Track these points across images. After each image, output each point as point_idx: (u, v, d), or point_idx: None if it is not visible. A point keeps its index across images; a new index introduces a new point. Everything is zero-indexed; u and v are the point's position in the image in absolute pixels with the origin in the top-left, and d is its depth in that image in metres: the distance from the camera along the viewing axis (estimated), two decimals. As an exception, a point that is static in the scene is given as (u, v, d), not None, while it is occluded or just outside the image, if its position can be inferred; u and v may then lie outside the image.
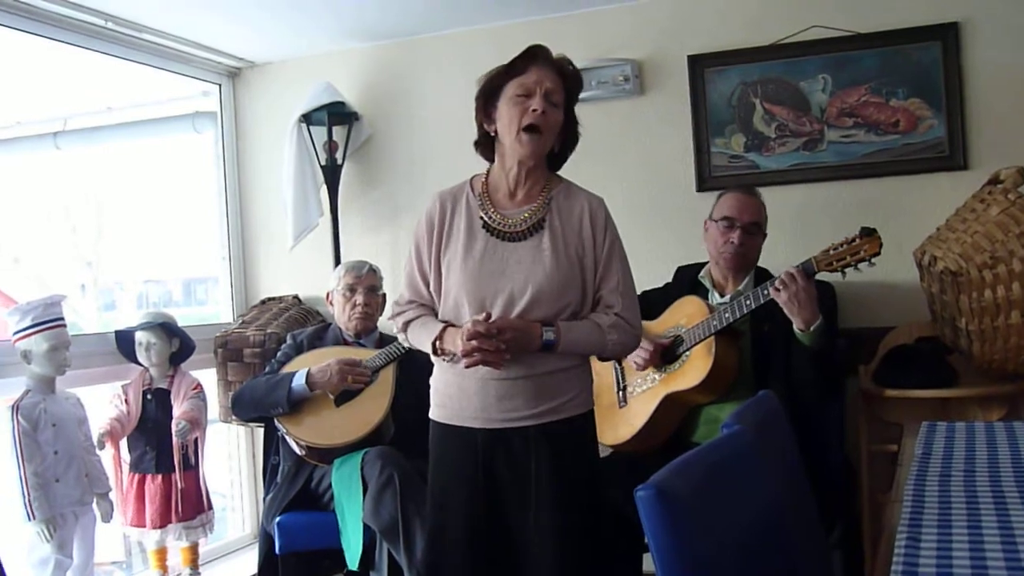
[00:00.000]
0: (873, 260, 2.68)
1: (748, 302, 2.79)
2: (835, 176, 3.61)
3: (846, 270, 2.71)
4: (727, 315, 2.82)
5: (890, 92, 3.55)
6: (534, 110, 2.31)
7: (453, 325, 2.37)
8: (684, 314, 2.96)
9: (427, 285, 2.45)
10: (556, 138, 2.41)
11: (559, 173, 2.50)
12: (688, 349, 2.91)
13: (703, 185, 3.75)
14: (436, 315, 2.45)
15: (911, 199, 3.52)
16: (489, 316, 2.25)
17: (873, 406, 3.35)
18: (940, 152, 3.50)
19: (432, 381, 2.49)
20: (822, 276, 2.78)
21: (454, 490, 2.39)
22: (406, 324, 2.47)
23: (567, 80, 2.40)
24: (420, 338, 2.43)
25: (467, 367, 2.28)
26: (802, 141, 3.67)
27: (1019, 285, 2.85)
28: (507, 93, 2.35)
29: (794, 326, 2.76)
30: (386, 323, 3.54)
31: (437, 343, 2.36)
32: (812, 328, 2.73)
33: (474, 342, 2.23)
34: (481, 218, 2.41)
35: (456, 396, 2.39)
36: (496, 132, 2.41)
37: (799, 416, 2.49)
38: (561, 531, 2.29)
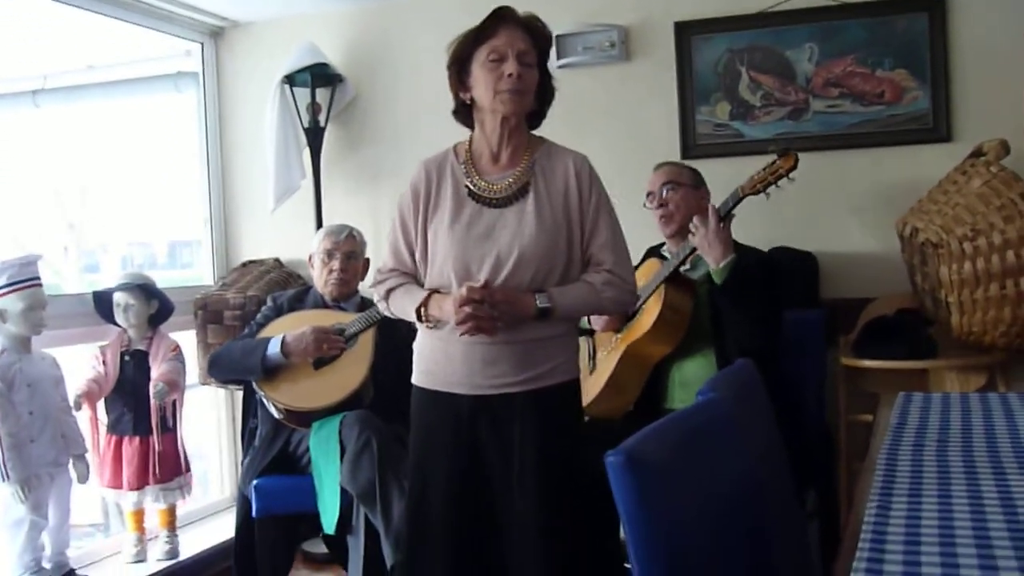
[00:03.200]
0: (791, 176, 2.81)
1: (686, 247, 2.92)
2: (820, 146, 3.59)
3: (768, 189, 2.85)
4: (673, 261, 2.94)
5: (876, 62, 3.53)
6: (510, 75, 2.29)
7: (438, 292, 2.36)
8: (643, 275, 3.02)
9: (411, 254, 2.44)
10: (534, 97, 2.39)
11: (540, 133, 2.48)
12: (643, 303, 2.96)
13: (688, 153, 3.74)
14: (418, 283, 2.44)
15: (895, 170, 3.51)
16: (487, 284, 2.24)
17: (852, 377, 3.36)
18: (924, 124, 3.49)
19: (415, 346, 2.47)
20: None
21: (437, 455, 2.39)
22: (388, 292, 2.46)
23: (537, 38, 2.37)
24: (403, 305, 2.41)
25: (462, 335, 2.26)
26: (787, 110, 3.66)
27: (999, 257, 2.85)
28: (479, 58, 2.33)
29: (709, 268, 2.88)
30: (368, 288, 3.53)
31: (422, 310, 2.35)
32: (722, 265, 2.83)
33: (467, 308, 2.21)
34: (467, 186, 2.40)
35: (441, 362, 2.38)
36: (472, 99, 2.39)
37: (776, 383, 2.50)
38: (545, 496, 2.29)
